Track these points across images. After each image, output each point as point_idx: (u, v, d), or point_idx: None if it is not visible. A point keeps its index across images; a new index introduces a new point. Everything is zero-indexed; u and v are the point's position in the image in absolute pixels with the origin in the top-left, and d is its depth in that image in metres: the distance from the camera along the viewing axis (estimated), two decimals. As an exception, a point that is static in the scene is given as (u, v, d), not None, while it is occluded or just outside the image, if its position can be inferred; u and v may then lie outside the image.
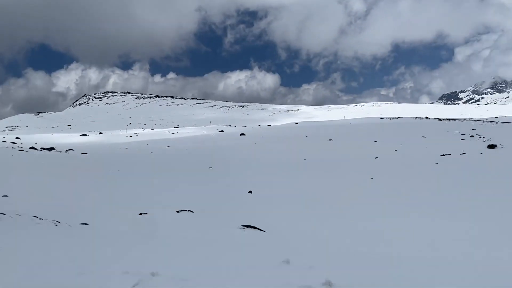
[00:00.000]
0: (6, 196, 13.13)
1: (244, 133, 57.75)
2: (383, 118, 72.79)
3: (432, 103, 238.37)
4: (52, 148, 46.19)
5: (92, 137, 73.99)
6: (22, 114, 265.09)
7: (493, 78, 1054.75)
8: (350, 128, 54.75)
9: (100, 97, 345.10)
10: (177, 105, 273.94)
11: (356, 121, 69.47)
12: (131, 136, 69.75)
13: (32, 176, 21.02)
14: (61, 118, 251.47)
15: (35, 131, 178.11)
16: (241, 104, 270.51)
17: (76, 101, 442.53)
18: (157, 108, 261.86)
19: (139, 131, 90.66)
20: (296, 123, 73.93)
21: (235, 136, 54.72)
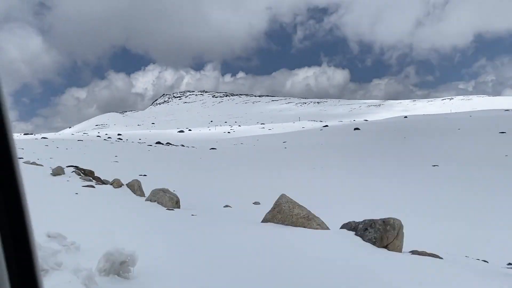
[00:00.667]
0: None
1: (358, 127, 52.39)
2: (507, 110, 65.16)
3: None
4: (169, 143, 44.71)
5: (189, 133, 73.02)
6: (109, 113, 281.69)
7: None
8: (485, 120, 47.32)
9: (179, 96, 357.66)
10: (253, 102, 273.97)
11: (476, 113, 61.25)
12: (228, 132, 67.72)
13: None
14: (144, 116, 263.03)
15: (123, 129, 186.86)
16: (316, 100, 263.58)
17: (155, 100, 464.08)
18: (233, 106, 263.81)
19: (235, 127, 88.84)
20: (405, 117, 67.22)
21: (349, 131, 49.58)
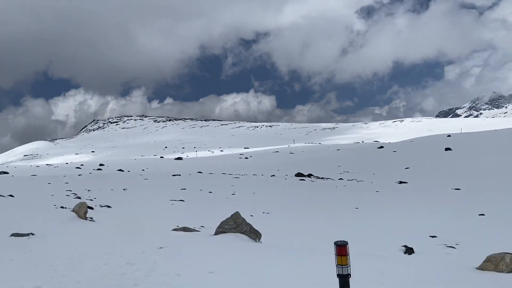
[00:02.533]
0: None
1: (382, 145, 41.61)
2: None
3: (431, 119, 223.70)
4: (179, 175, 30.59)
5: (190, 159, 58.68)
6: (36, 142, 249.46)
7: (494, 92, 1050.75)
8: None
9: (116, 122, 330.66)
10: (201, 127, 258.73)
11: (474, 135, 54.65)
12: (218, 150, 53.86)
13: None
14: (79, 144, 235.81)
15: (60, 159, 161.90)
16: (268, 123, 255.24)
17: (85, 126, 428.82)
18: (181, 130, 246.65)
19: (205, 152, 74.93)
20: (449, 135, 58.11)
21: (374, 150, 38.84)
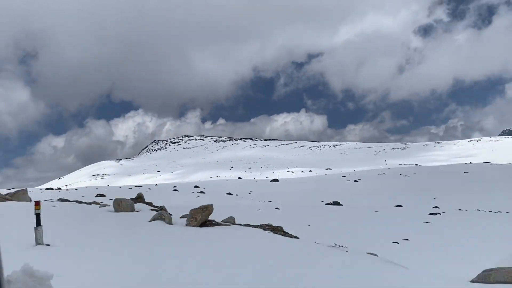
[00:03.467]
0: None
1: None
2: None
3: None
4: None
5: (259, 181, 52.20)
6: (102, 162, 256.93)
7: None
8: None
9: (177, 142, 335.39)
10: (261, 147, 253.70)
11: None
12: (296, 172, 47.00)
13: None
14: (143, 164, 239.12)
15: (125, 177, 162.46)
16: (331, 143, 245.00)
17: (146, 147, 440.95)
18: (241, 150, 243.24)
19: (285, 173, 67.50)
20: None
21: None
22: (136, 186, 49.86)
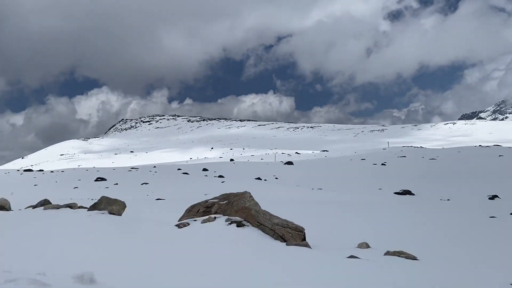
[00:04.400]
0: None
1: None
2: None
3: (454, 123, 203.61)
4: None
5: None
6: (70, 141, 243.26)
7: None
8: None
9: (149, 121, 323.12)
10: (237, 127, 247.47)
11: None
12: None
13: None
14: (113, 143, 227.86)
15: (97, 159, 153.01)
16: (309, 124, 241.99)
17: (113, 126, 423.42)
18: (216, 130, 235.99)
19: (281, 155, 63.09)
20: None
21: None
22: (133, 168, 43.40)
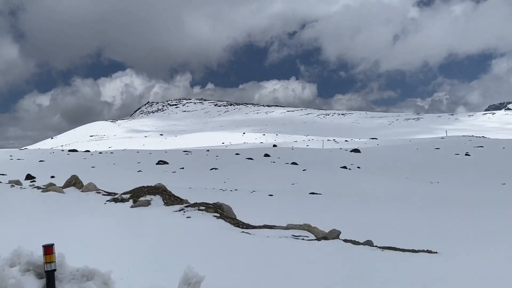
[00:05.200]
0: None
1: None
2: None
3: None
4: None
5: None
6: (99, 122, 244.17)
7: None
8: None
9: (175, 104, 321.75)
10: (266, 113, 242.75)
11: None
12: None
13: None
14: (141, 125, 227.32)
15: (127, 139, 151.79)
16: (341, 111, 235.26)
17: (139, 108, 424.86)
18: (244, 115, 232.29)
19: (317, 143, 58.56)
20: None
21: None
22: (185, 151, 39.76)
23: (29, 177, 21.94)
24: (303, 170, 25.01)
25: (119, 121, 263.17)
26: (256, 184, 19.38)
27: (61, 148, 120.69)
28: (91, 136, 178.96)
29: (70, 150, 39.55)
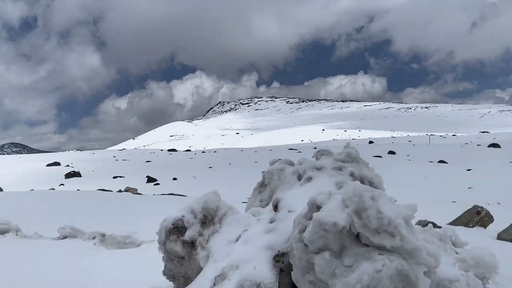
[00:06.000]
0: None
1: None
2: None
3: None
4: None
5: None
6: (177, 122, 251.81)
7: None
8: None
9: (247, 103, 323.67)
10: (341, 108, 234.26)
11: None
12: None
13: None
14: (216, 124, 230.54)
15: (209, 141, 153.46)
16: (423, 104, 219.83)
17: (211, 108, 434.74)
18: (318, 111, 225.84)
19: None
20: None
21: None
22: (291, 149, 36.00)
23: (151, 179, 19.58)
24: (467, 170, 19.83)
25: (195, 121, 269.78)
26: (413, 189, 14.99)
27: (142, 147, 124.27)
28: (171, 136, 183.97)
29: (169, 150, 37.85)
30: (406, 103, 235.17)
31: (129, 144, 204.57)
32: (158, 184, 18.23)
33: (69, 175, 22.71)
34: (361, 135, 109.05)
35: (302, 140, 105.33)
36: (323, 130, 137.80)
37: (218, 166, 22.36)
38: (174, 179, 19.30)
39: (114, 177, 21.22)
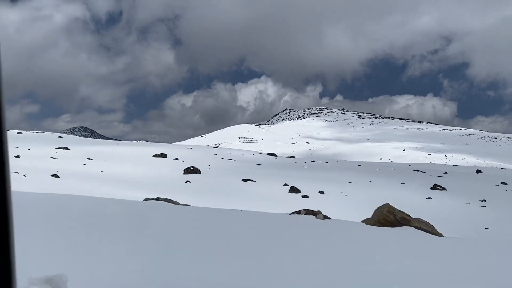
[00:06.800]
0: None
1: None
2: None
3: None
4: None
5: None
6: (244, 125, 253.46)
7: None
8: None
9: (316, 113, 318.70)
10: (417, 129, 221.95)
11: None
12: None
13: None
14: (285, 131, 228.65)
15: (278, 146, 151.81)
16: (508, 135, 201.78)
17: (277, 115, 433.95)
18: (391, 130, 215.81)
19: None
20: None
21: None
22: (417, 170, 32.48)
23: (294, 189, 17.27)
24: None
25: (263, 125, 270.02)
26: None
27: (211, 146, 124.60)
28: (240, 137, 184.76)
29: (269, 154, 35.80)
30: (488, 131, 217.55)
31: (197, 141, 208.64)
32: (306, 197, 15.69)
33: (188, 171, 21.28)
34: (447, 161, 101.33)
35: (380, 159, 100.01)
36: (404, 150, 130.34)
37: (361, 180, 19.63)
38: (321, 192, 16.76)
39: (244, 180, 19.12)
